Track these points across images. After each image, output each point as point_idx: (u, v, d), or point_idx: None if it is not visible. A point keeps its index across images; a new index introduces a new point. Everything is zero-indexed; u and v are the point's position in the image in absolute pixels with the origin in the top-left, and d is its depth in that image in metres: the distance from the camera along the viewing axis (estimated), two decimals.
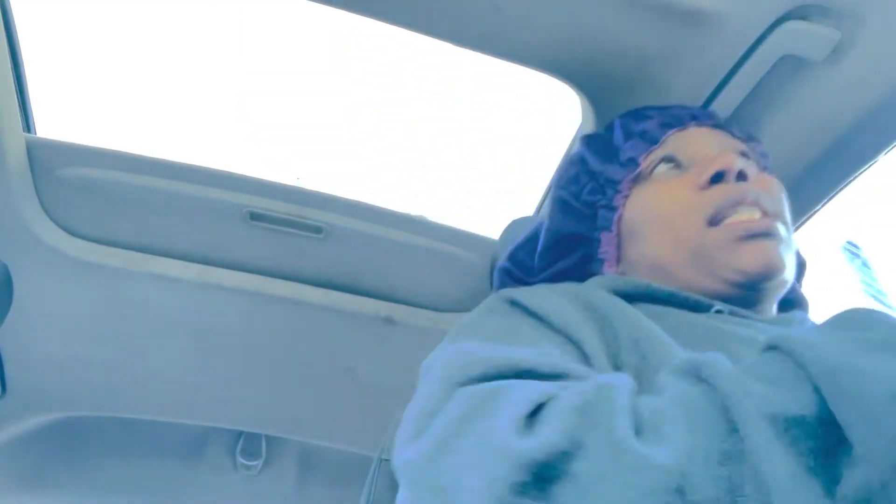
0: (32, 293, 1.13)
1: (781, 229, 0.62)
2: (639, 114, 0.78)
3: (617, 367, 0.50)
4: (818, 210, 0.98)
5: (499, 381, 0.42)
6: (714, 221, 0.62)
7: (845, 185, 0.95)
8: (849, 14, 0.75)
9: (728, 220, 0.62)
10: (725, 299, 0.61)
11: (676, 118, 0.74)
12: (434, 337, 1.33)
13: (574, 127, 1.02)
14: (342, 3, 0.81)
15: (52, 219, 1.09)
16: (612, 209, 0.71)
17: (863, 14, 0.75)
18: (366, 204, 1.13)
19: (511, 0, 0.78)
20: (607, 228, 0.72)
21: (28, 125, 1.09)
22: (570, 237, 0.74)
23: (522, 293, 0.58)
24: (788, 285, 0.64)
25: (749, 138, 0.74)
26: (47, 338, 1.20)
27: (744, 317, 0.59)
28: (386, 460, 0.83)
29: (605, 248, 0.72)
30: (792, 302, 0.74)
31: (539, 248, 0.77)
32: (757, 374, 0.36)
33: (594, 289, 0.61)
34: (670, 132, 0.72)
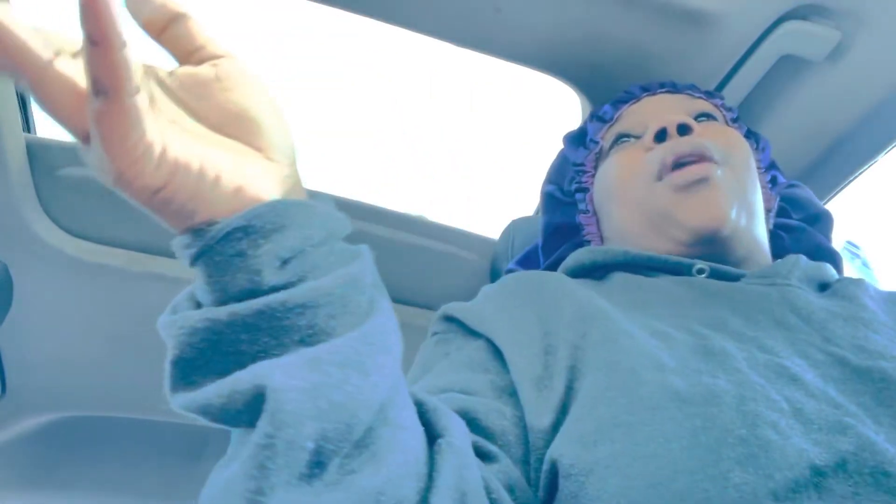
0: (32, 293, 1.13)
1: (721, 173, 0.60)
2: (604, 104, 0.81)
3: (551, 346, 0.50)
4: None
5: None
6: (659, 176, 0.62)
7: (845, 185, 0.95)
8: (849, 14, 0.75)
9: (669, 176, 0.61)
10: (691, 257, 0.60)
11: (628, 93, 0.76)
12: None
13: (573, 126, 1.02)
14: (342, 3, 0.81)
15: (52, 219, 1.09)
16: (584, 190, 0.74)
17: (863, 14, 0.75)
18: (366, 204, 1.13)
19: (511, 0, 0.78)
20: (584, 210, 0.74)
21: (28, 125, 1.09)
22: (561, 228, 0.76)
23: (458, 306, 0.59)
24: (755, 235, 0.63)
25: (710, 95, 0.75)
26: (47, 338, 1.20)
27: (726, 273, 0.58)
28: None
29: (588, 229, 0.74)
30: (817, 257, 0.68)
31: (539, 243, 0.79)
32: None
33: (556, 275, 0.61)
34: (623, 107, 0.74)
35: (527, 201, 1.20)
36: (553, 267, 0.76)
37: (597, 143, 0.73)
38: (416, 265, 1.19)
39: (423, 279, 1.21)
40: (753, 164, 0.67)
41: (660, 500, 0.37)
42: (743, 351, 0.47)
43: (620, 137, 0.71)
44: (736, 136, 0.67)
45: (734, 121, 0.73)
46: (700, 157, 0.61)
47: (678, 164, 0.61)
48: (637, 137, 0.70)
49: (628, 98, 0.75)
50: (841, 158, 0.91)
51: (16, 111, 0.98)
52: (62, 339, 1.20)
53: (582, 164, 0.74)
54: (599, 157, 0.73)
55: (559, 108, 1.06)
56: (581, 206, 0.74)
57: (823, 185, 0.95)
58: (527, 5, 0.78)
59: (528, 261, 0.83)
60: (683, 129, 0.64)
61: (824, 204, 0.97)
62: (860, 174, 0.93)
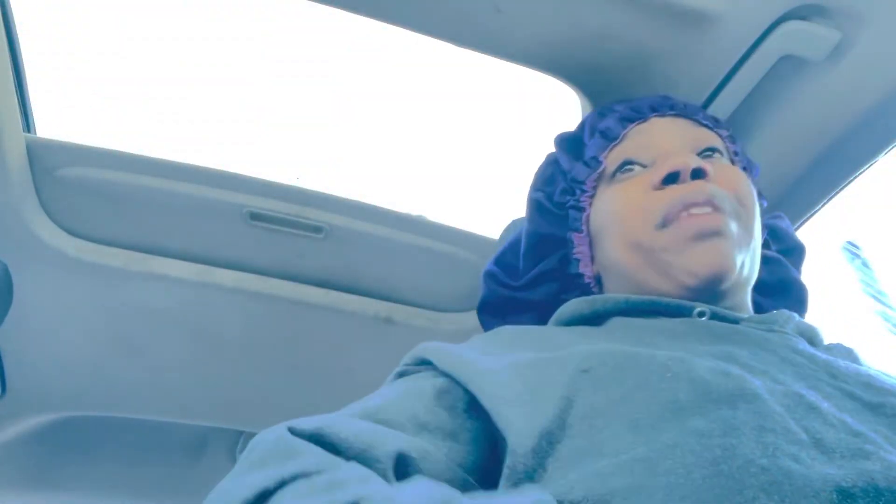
0: (32, 293, 1.13)
1: (734, 226, 0.61)
2: (605, 110, 0.77)
3: (541, 377, 0.49)
4: (818, 210, 0.98)
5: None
6: (664, 224, 0.61)
7: (845, 185, 0.95)
8: (849, 14, 0.75)
9: (677, 221, 0.60)
10: (690, 300, 0.60)
11: (636, 111, 0.73)
12: (433, 337, 1.33)
13: (573, 127, 1.02)
14: (342, 3, 0.81)
15: (52, 219, 1.09)
16: (580, 209, 0.71)
17: (863, 14, 0.75)
18: (366, 204, 1.13)
19: (511, 0, 0.78)
20: (577, 229, 0.72)
21: (28, 125, 1.09)
22: (546, 239, 0.74)
23: (433, 348, 0.57)
24: (751, 283, 0.64)
25: (716, 125, 0.73)
26: (47, 338, 1.20)
27: (726, 316, 0.58)
28: None
29: (579, 248, 0.72)
30: (789, 289, 0.74)
31: (521, 250, 0.77)
32: None
33: (554, 328, 0.62)
34: (630, 126, 0.71)
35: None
36: (536, 281, 0.75)
37: (600, 162, 0.70)
38: (416, 265, 1.19)
39: (423, 279, 1.21)
40: (758, 209, 0.66)
41: None
42: (760, 381, 0.46)
43: (626, 164, 0.68)
44: (744, 181, 0.66)
45: (735, 154, 0.72)
46: (713, 209, 0.60)
47: (687, 209, 0.60)
48: (643, 166, 0.67)
49: (635, 117, 0.72)
50: (841, 158, 0.91)
51: (16, 111, 0.98)
52: (62, 339, 1.20)
53: (582, 183, 0.71)
54: (600, 178, 0.71)
55: (559, 108, 1.06)
56: (574, 225, 0.72)
57: (823, 184, 0.95)
58: (527, 5, 0.78)
59: (505, 265, 0.80)
60: (696, 174, 0.62)
61: (824, 204, 0.97)
62: (860, 174, 0.93)
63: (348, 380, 1.29)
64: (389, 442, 0.43)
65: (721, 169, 0.66)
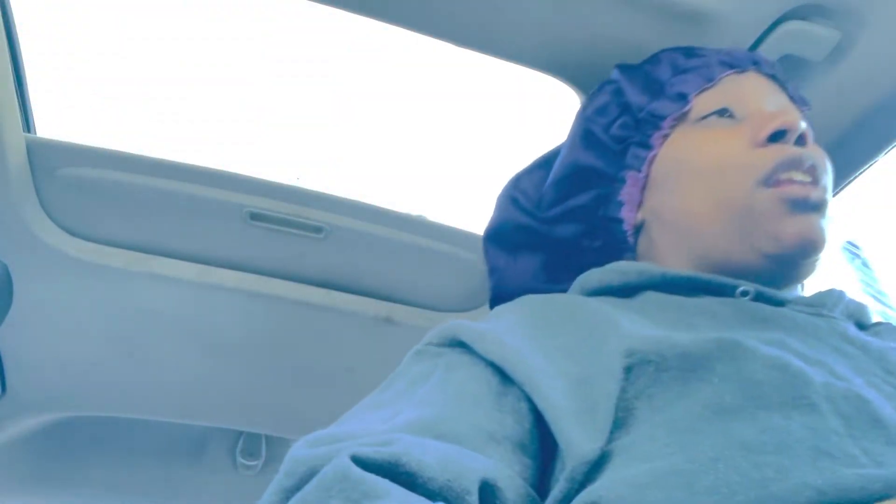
0: (32, 293, 1.13)
1: (828, 203, 0.57)
2: (688, 50, 0.69)
3: (587, 376, 0.44)
4: None
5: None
6: (767, 182, 0.56)
7: (845, 185, 0.95)
8: (849, 14, 0.75)
9: (782, 183, 0.55)
10: (754, 274, 0.56)
11: (736, 59, 0.66)
12: None
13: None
14: (342, 3, 0.81)
15: (52, 219, 1.09)
16: (647, 147, 0.63)
17: (863, 14, 0.75)
18: (366, 204, 1.13)
19: (511, 0, 0.78)
20: (636, 168, 0.64)
21: (28, 125, 1.09)
22: (588, 172, 0.66)
23: (466, 328, 0.50)
24: (818, 267, 0.59)
25: (802, 102, 0.68)
26: (47, 338, 1.20)
27: (771, 297, 0.53)
28: None
29: (629, 189, 0.64)
30: None
31: (551, 178, 0.69)
32: None
33: (584, 299, 0.55)
34: (728, 72, 0.64)
35: None
36: (561, 217, 0.67)
37: (687, 102, 0.63)
38: (416, 265, 1.18)
39: (423, 279, 1.21)
40: None
41: None
42: (819, 376, 0.42)
43: (720, 112, 0.61)
44: (828, 163, 0.61)
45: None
46: (813, 180, 0.56)
47: (790, 173, 0.56)
48: (735, 118, 0.61)
49: (735, 64, 0.65)
50: (841, 158, 0.91)
51: (16, 111, 0.98)
52: (62, 339, 1.20)
53: (660, 119, 0.63)
54: (680, 119, 0.63)
55: (559, 108, 1.06)
56: (634, 163, 0.64)
57: None
58: (526, 5, 0.78)
59: (527, 190, 0.71)
60: (800, 140, 0.58)
61: None
62: (860, 174, 0.93)
63: (348, 380, 1.29)
64: (472, 470, 0.37)
65: (815, 146, 0.61)
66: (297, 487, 0.35)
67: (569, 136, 0.70)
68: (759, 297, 0.54)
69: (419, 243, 1.16)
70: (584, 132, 0.67)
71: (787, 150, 0.57)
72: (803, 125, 0.58)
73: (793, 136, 0.57)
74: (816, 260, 0.57)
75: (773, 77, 0.66)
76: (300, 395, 1.32)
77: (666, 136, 0.63)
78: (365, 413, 0.46)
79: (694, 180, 0.59)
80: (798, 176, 0.56)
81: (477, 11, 0.79)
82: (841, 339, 0.49)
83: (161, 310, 1.16)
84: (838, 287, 0.56)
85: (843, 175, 0.93)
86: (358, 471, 0.34)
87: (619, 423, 0.42)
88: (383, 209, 1.14)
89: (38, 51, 1.07)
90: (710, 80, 0.64)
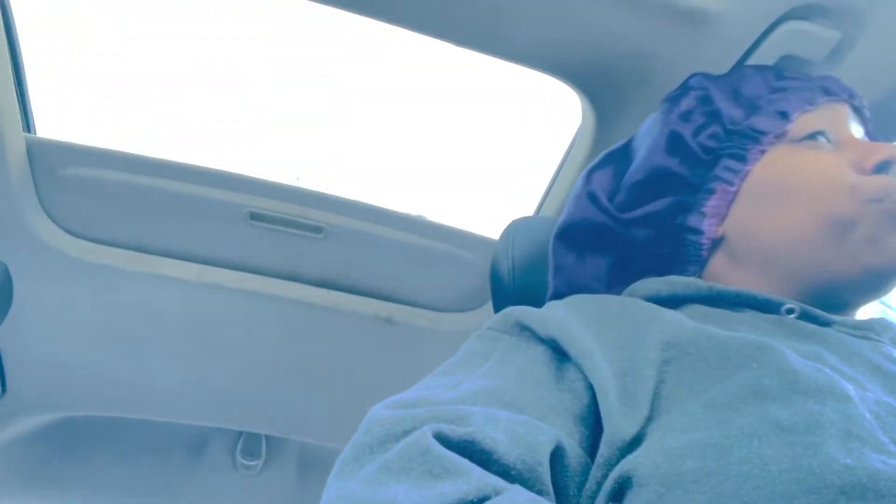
0: (32, 293, 1.13)
1: None
2: (778, 72, 0.70)
3: (630, 368, 0.47)
4: None
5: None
6: (878, 200, 0.56)
7: None
8: (849, 14, 0.75)
9: (890, 202, 0.56)
10: (843, 290, 0.57)
11: (837, 87, 0.66)
12: (433, 337, 1.33)
13: (574, 127, 1.02)
14: (342, 3, 0.81)
15: (52, 219, 1.09)
16: (743, 160, 0.62)
17: (863, 14, 0.75)
18: (366, 204, 1.13)
19: (511, 0, 0.78)
20: (728, 181, 0.63)
21: (28, 125, 1.09)
22: (671, 177, 0.65)
23: (528, 314, 0.54)
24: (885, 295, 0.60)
25: (875, 138, 0.69)
26: (47, 338, 1.20)
27: (817, 317, 0.54)
28: None
29: (717, 202, 0.63)
30: None
31: (630, 178, 0.67)
32: None
33: (633, 300, 0.56)
34: (826, 99, 0.64)
35: (527, 201, 1.20)
36: (637, 221, 0.66)
37: (789, 119, 0.62)
38: (416, 265, 1.19)
39: (423, 279, 1.21)
40: None
41: None
42: (849, 383, 0.44)
43: (819, 134, 0.62)
44: None
45: None
46: None
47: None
48: (835, 144, 0.62)
49: (833, 92, 0.65)
50: None
51: (16, 111, 0.98)
52: (62, 339, 1.20)
53: (762, 134, 0.62)
54: (783, 137, 0.62)
55: (559, 108, 1.06)
56: (727, 175, 0.63)
57: None
58: (527, 5, 0.78)
59: (603, 185, 0.70)
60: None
61: None
62: None
63: (348, 380, 1.29)
64: (542, 443, 0.41)
65: None
66: (370, 444, 0.40)
67: (649, 137, 0.69)
68: (804, 316, 0.54)
69: (419, 243, 1.16)
70: (671, 135, 0.65)
71: (893, 181, 0.58)
72: None
73: (895, 169, 0.59)
74: (892, 286, 0.58)
75: (858, 111, 0.67)
76: (300, 395, 1.32)
77: (763, 152, 0.62)
78: (430, 382, 0.50)
79: (797, 198, 0.59)
80: None
81: (478, 12, 0.79)
82: (884, 359, 0.49)
83: (161, 310, 1.16)
84: (888, 317, 0.57)
85: None
86: (439, 447, 0.38)
87: (658, 408, 0.44)
88: (383, 209, 1.14)
89: (38, 51, 1.07)
90: (811, 104, 0.63)
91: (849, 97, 0.66)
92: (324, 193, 1.12)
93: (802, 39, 0.78)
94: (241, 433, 1.51)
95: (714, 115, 0.65)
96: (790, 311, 0.54)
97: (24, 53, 1.04)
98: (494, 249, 0.89)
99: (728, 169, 0.63)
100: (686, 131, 0.65)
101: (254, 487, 1.53)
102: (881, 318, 0.56)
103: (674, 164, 0.64)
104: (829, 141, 0.62)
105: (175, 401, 1.32)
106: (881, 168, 0.58)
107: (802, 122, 0.62)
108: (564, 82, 0.90)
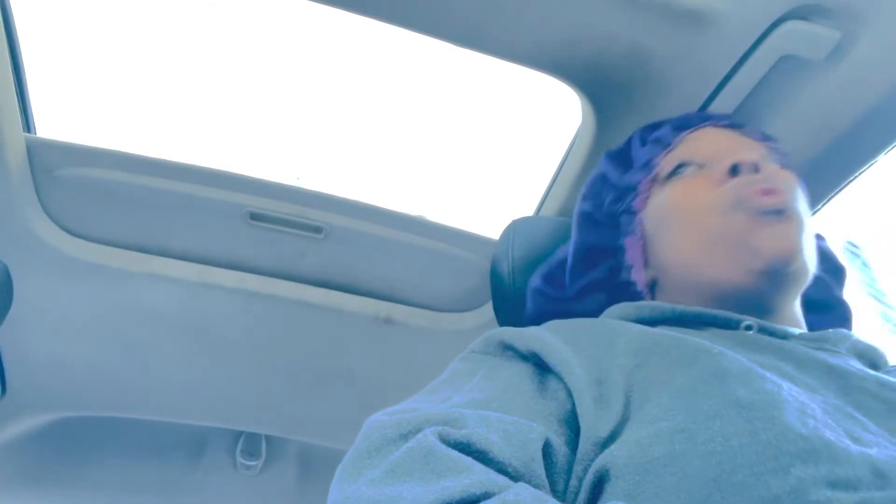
0: (32, 293, 1.13)
1: (799, 208, 0.62)
2: (654, 125, 0.78)
3: (604, 378, 0.51)
4: (818, 210, 0.98)
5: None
6: (736, 206, 0.62)
7: (845, 185, 0.95)
8: (849, 14, 0.75)
9: (748, 201, 0.61)
10: (751, 295, 0.61)
11: (689, 120, 0.75)
12: (433, 337, 1.33)
13: (574, 127, 1.02)
14: (342, 3, 0.81)
15: (52, 219, 1.09)
16: (633, 213, 0.72)
17: (863, 14, 0.75)
18: (366, 204, 1.13)
19: (511, 0, 0.78)
20: (631, 233, 0.72)
21: (28, 125, 1.09)
22: (595, 249, 0.74)
23: (510, 333, 0.59)
24: (809, 276, 0.63)
25: (765, 138, 0.74)
26: (47, 338, 1.20)
27: (774, 331, 0.58)
28: None
29: (631, 253, 0.72)
30: (833, 308, 0.75)
31: (568, 264, 0.77)
32: None
33: (606, 320, 0.62)
34: (683, 133, 0.73)
35: (527, 201, 1.20)
36: (583, 292, 0.75)
37: (653, 167, 0.72)
38: (416, 265, 1.19)
39: (423, 279, 1.21)
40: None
41: (720, 493, 0.38)
42: (803, 388, 0.48)
43: (681, 165, 0.69)
44: (798, 183, 0.66)
45: (785, 162, 0.73)
46: (778, 191, 0.61)
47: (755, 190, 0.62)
48: (698, 166, 0.68)
49: (688, 125, 0.74)
50: (841, 158, 0.91)
51: (16, 111, 0.98)
52: (62, 339, 1.20)
53: (635, 187, 0.72)
54: (653, 182, 0.71)
55: (559, 108, 1.06)
56: (628, 229, 0.72)
57: (823, 184, 0.95)
58: (527, 5, 0.78)
59: (553, 279, 0.79)
60: (755, 170, 0.64)
61: (824, 204, 0.97)
62: (860, 174, 0.93)
63: (348, 380, 1.29)
64: (532, 440, 0.44)
65: (776, 170, 0.67)
66: (369, 450, 0.43)
67: (574, 224, 0.79)
68: (763, 331, 0.58)
69: (419, 243, 1.16)
70: (584, 215, 0.76)
71: (746, 179, 0.63)
72: (752, 156, 0.64)
73: (747, 168, 0.63)
74: (802, 267, 0.61)
75: (729, 126, 0.74)
76: (300, 395, 1.32)
77: (646, 199, 0.71)
78: (420, 398, 0.53)
79: (677, 224, 0.66)
80: (757, 195, 0.61)
81: (477, 12, 0.79)
82: (837, 366, 0.53)
83: (161, 310, 1.16)
84: (845, 328, 0.62)
85: (844, 175, 0.93)
86: (442, 447, 0.41)
87: (631, 407, 0.47)
88: (383, 209, 1.14)
89: (38, 51, 1.07)
90: (668, 145, 0.73)
91: (706, 120, 0.74)
92: (324, 193, 1.12)
93: (802, 39, 0.78)
94: (241, 433, 1.51)
95: (612, 186, 0.76)
96: (749, 328, 0.59)
97: (24, 53, 1.04)
98: (494, 249, 0.89)
99: (627, 223, 0.72)
100: (594, 206, 0.76)
101: (254, 487, 1.53)
102: (837, 330, 0.61)
103: (592, 237, 0.75)
104: (700, 166, 0.68)
105: (175, 401, 1.32)
106: (733, 173, 0.64)
107: (665, 162, 0.71)
108: (564, 82, 0.90)
